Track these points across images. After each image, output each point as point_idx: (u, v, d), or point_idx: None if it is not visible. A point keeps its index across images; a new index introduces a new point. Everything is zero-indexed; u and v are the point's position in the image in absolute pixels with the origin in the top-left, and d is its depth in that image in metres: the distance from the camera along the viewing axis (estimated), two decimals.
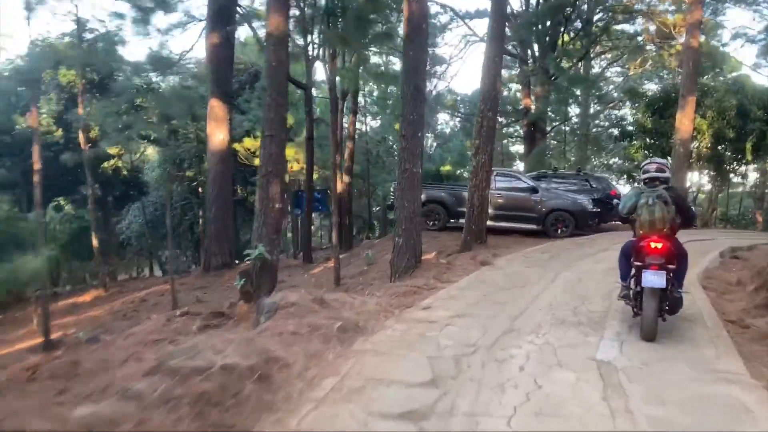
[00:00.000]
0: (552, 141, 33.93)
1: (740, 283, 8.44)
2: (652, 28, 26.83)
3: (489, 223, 14.81)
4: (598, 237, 14.16)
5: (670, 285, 5.39)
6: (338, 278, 11.56)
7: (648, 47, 29.03)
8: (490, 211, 14.91)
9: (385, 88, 25.36)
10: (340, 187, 19.82)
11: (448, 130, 39.74)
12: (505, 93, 34.09)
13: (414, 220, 9.22)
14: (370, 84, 26.28)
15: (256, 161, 19.37)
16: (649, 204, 5.57)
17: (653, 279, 5.27)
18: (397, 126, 23.69)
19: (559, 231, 14.83)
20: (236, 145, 18.62)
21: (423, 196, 15.47)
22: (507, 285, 7.78)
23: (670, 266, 5.39)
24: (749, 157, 18.12)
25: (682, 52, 16.74)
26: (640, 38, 28.08)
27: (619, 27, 28.86)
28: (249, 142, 18.82)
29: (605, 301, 7.05)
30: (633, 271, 5.68)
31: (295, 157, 18.38)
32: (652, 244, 5.44)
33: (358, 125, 33.13)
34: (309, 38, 16.29)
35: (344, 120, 21.79)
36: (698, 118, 17.33)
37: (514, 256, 10.52)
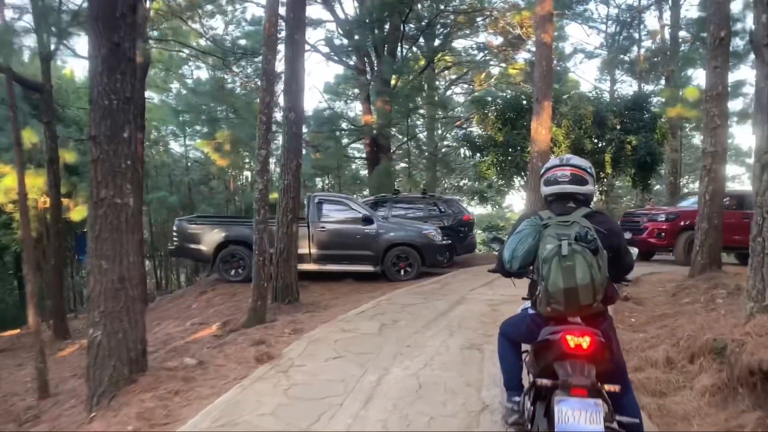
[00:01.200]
0: (400, 163, 31.32)
1: (671, 363, 5.20)
2: (497, 41, 25.11)
3: (309, 267, 11.01)
4: (451, 278, 10.81)
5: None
6: (44, 387, 6.95)
7: (492, 62, 27.43)
8: (313, 250, 11.14)
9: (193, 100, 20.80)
10: None
11: None
12: (352, 114, 31.05)
13: (124, 295, 4.98)
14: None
15: None
16: (564, 255, 2.67)
17: (578, 419, 2.51)
18: (199, 143, 19.32)
19: (403, 272, 11.32)
20: None
21: (221, 236, 11.38)
22: (274, 429, 3.81)
23: (610, 387, 2.64)
24: (608, 170, 16.10)
25: (534, 49, 14.29)
26: (484, 53, 26.40)
27: (462, 42, 27.15)
28: None
29: None
30: (532, 376, 2.95)
31: (44, 189, 13.26)
32: (572, 340, 2.65)
33: (177, 148, 28.09)
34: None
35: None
36: (554, 128, 14.93)
37: (325, 331, 6.62)
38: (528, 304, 3.13)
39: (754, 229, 4.47)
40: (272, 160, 15.93)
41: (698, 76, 25.44)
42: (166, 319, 9.95)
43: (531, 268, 2.91)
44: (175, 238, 11.39)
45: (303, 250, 11.08)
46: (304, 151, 30.63)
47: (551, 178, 3.04)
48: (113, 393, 4.82)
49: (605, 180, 17.03)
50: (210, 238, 11.13)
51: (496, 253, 3.21)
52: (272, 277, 8.60)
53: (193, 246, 11.20)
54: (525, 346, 3.22)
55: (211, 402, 4.42)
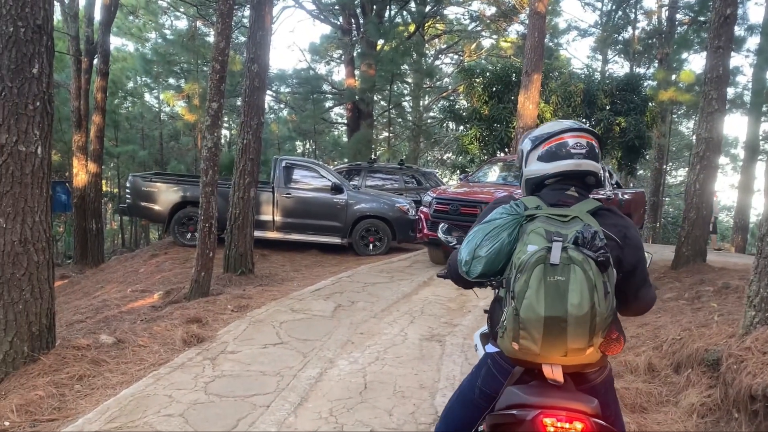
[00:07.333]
0: (383, 131, 30.45)
1: (654, 371, 4.62)
2: (490, 11, 24.35)
3: (272, 235, 10.31)
4: (422, 255, 10.15)
5: None
6: None
7: (483, 33, 26.59)
8: (277, 218, 10.42)
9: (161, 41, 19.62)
10: (83, 178, 14.23)
11: (272, 116, 34.68)
12: (336, 77, 29.92)
13: (26, 259, 4.23)
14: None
15: None
16: (554, 264, 1.61)
17: None
18: (167, 96, 18.28)
19: (371, 247, 10.66)
20: None
21: (178, 196, 10.56)
22: None
23: None
24: None
25: (528, 18, 13.49)
26: (476, 23, 25.57)
27: (454, 9, 26.13)
28: None
29: None
30: None
31: None
32: (553, 427, 1.63)
33: (153, 100, 26.91)
34: None
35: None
36: (542, 103, 14.22)
37: (272, 310, 5.94)
38: (487, 345, 1.98)
39: (763, 227, 3.83)
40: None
41: (693, 60, 24.88)
42: (110, 282, 9.20)
43: (493, 280, 1.83)
44: (128, 196, 10.56)
45: (266, 216, 10.37)
46: (285, 112, 29.72)
47: (557, 148, 1.95)
48: (6, 373, 4.11)
49: None
50: (166, 197, 10.32)
51: (455, 246, 2.29)
52: (225, 246, 7.89)
53: (146, 205, 10.38)
54: None
55: (116, 393, 3.73)
